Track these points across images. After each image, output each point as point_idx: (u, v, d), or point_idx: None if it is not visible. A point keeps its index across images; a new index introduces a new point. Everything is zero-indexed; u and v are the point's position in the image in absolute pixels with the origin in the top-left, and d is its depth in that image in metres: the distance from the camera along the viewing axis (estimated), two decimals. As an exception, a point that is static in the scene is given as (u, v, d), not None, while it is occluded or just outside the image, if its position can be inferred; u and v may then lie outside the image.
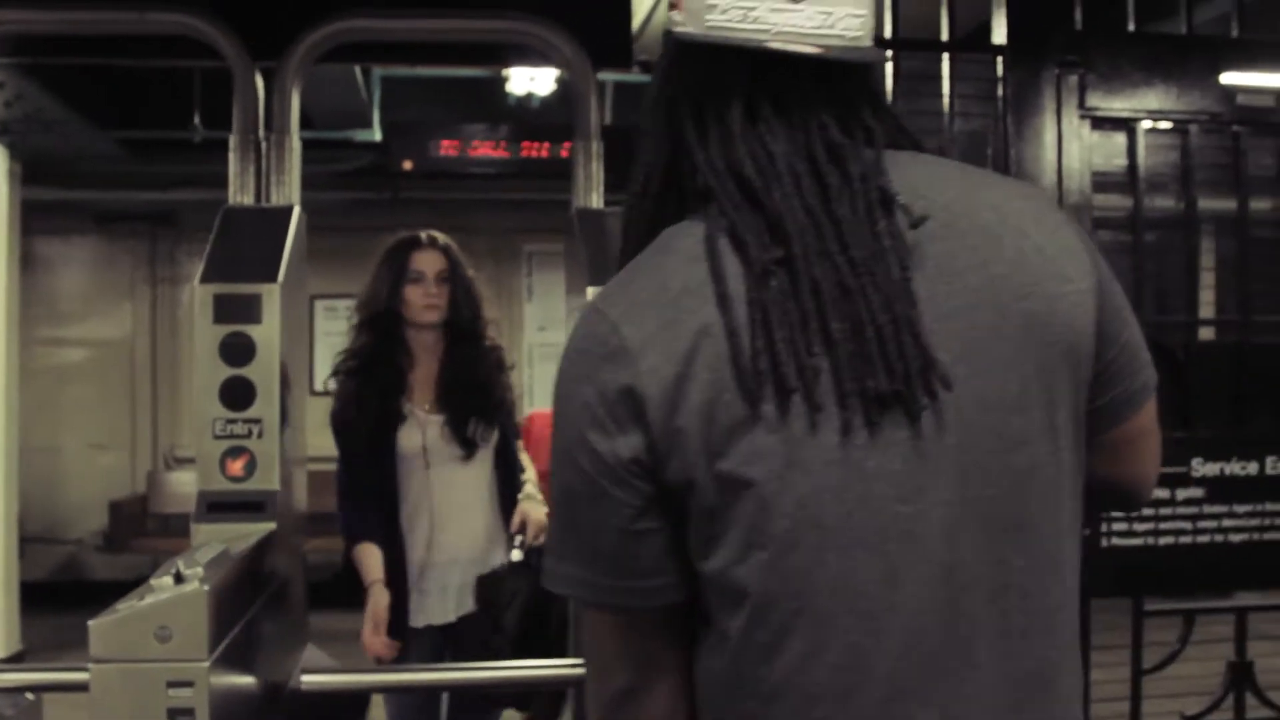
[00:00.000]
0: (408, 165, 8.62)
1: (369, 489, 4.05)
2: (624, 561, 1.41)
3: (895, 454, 1.36)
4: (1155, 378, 1.60)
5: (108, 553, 10.51)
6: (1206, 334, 4.72)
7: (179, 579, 2.45)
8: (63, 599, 8.42)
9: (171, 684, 2.34)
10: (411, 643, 4.07)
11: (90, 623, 2.33)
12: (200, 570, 2.47)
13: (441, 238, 4.23)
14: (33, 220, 9.68)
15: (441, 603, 4.10)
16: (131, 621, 2.35)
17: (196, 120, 7.94)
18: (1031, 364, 1.41)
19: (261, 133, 3.80)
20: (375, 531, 4.02)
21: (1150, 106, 4.23)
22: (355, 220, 10.56)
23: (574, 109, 3.81)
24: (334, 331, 11.07)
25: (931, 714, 1.36)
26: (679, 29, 1.45)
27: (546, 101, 8.62)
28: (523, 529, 4.11)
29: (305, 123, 8.23)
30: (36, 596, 9.08)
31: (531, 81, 8.18)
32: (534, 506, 4.15)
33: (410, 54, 5.24)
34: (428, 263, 4.14)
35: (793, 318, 1.34)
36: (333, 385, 4.28)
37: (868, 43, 1.46)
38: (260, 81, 3.87)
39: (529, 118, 8.78)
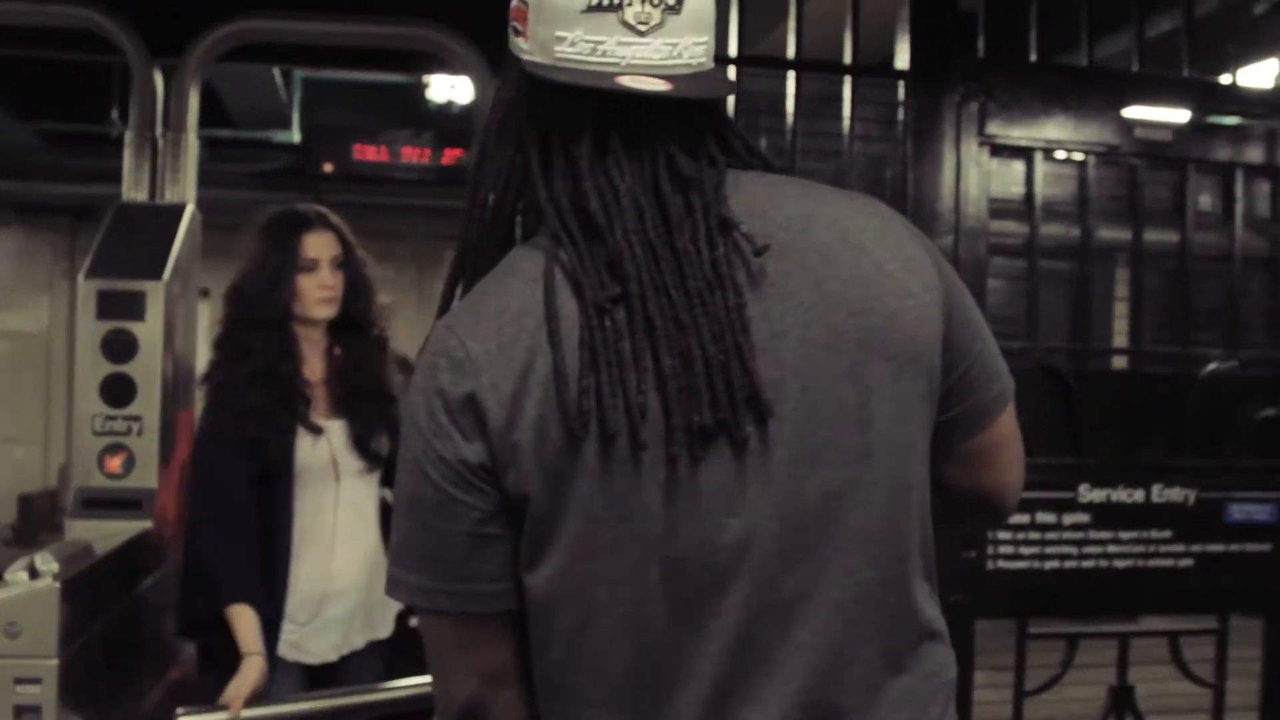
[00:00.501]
0: (328, 168, 8.58)
1: (247, 527, 3.25)
2: (468, 566, 1.42)
3: (718, 477, 1.39)
4: (1011, 387, 1.61)
5: (16, 546, 10.39)
6: (1121, 362, 4.77)
7: (33, 574, 2.44)
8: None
9: (19, 680, 2.33)
10: (276, 680, 3.29)
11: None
12: (55, 566, 2.45)
13: (331, 215, 3.59)
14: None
15: (321, 639, 3.39)
16: None
17: (115, 115, 7.87)
18: (872, 377, 1.43)
19: (159, 130, 3.78)
20: (255, 587, 3.23)
21: (1049, 136, 4.28)
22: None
23: (476, 117, 3.81)
24: (255, 332, 11.08)
25: None
26: (526, 57, 1.45)
27: (468, 109, 8.60)
28: None
29: (225, 121, 8.22)
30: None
31: (452, 89, 8.17)
32: None
33: (320, 57, 5.21)
34: (320, 247, 3.45)
35: (625, 356, 1.37)
36: (200, 397, 3.56)
37: (710, 66, 1.49)
38: (160, 78, 3.86)
39: (451, 124, 8.77)
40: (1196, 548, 4.35)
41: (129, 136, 3.72)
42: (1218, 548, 4.37)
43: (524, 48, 1.45)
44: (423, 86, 8.42)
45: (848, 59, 4.23)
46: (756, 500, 1.40)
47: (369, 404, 3.48)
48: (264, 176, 9.48)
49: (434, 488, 1.40)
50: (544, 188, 1.44)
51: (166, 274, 3.36)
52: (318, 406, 3.44)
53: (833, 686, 1.43)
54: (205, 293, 10.94)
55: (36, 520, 10.57)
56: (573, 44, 1.41)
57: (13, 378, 11.05)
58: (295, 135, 8.73)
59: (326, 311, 3.45)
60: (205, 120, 8.22)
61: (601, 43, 1.41)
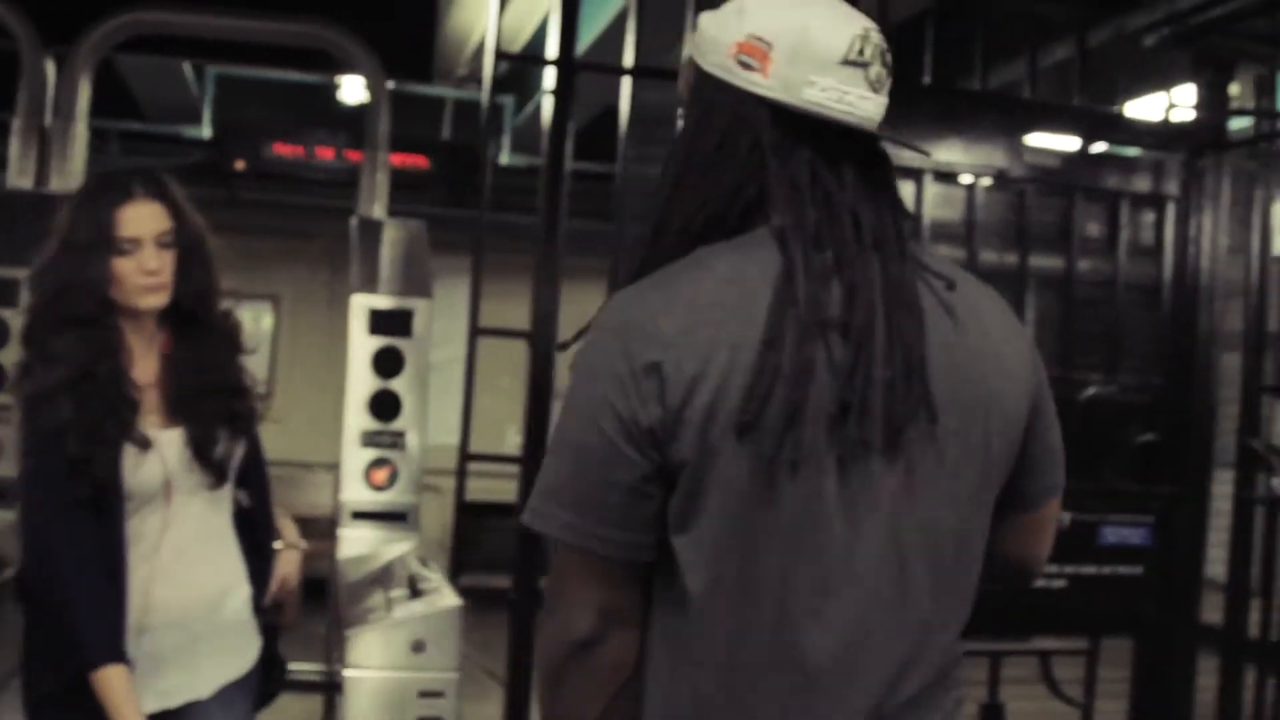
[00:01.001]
0: (240, 165, 8.55)
1: (100, 566, 2.67)
2: (620, 516, 1.58)
3: (862, 490, 1.59)
4: (1064, 480, 1.86)
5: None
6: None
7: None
8: None
9: None
10: None
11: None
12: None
13: (163, 178, 2.93)
14: None
15: (155, 680, 2.74)
16: None
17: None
18: (974, 439, 1.66)
19: (48, 118, 3.77)
20: (122, 643, 2.64)
21: (939, 159, 4.34)
22: (192, 216, 10.48)
23: (367, 118, 3.83)
24: (165, 326, 11.00)
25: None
26: (760, 92, 1.63)
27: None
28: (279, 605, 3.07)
29: (135, 113, 8.16)
30: None
31: (361, 92, 8.16)
32: (295, 561, 3.18)
33: (220, 51, 5.22)
34: (142, 222, 2.79)
35: (816, 365, 1.56)
36: (12, 410, 2.97)
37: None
38: (52, 67, 3.84)
39: (358, 125, 8.76)
40: (1070, 569, 4.41)
41: (17, 124, 3.71)
42: (1091, 569, 4.44)
43: (759, 83, 1.64)
44: (334, 87, 8.42)
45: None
46: (889, 517, 1.60)
47: (211, 406, 2.86)
48: (176, 172, 9.42)
49: (604, 439, 1.56)
50: (790, 205, 1.62)
51: (43, 262, 3.34)
52: (149, 414, 2.79)
53: (895, 696, 1.63)
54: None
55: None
56: (824, 89, 1.62)
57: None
58: (205, 130, 8.69)
59: (153, 300, 2.80)
60: (117, 112, 8.18)
61: (848, 93, 1.63)
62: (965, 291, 1.70)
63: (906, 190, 4.37)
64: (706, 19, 1.73)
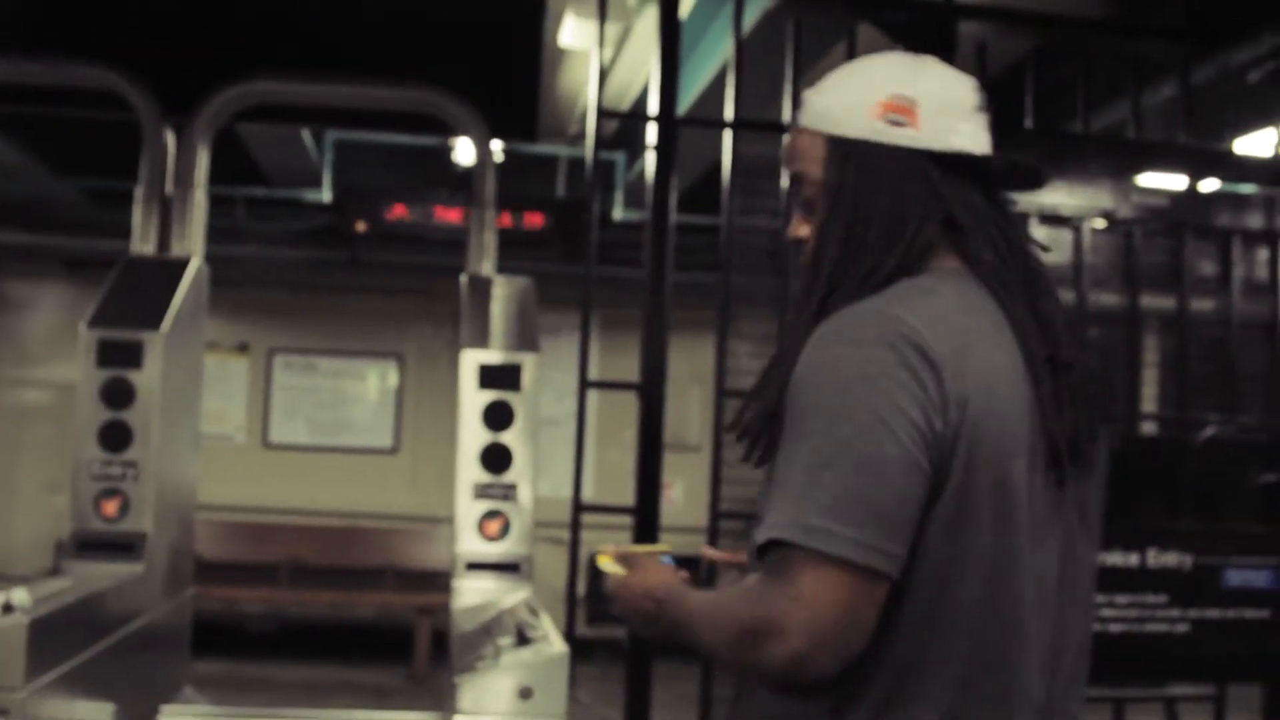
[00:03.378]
0: (361, 227, 8.73)
1: None
2: (906, 530, 1.60)
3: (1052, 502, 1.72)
4: None
5: (55, 594, 10.54)
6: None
7: (7, 609, 2.52)
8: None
9: (-13, 711, 2.39)
10: None
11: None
12: (30, 602, 2.54)
13: None
14: (4, 262, 9.79)
15: None
16: None
17: (155, 172, 8.04)
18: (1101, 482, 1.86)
19: (169, 186, 3.90)
20: None
21: (1046, 202, 4.33)
22: (315, 278, 10.71)
23: (474, 178, 3.91)
24: (292, 385, 11.25)
25: None
26: (924, 144, 1.77)
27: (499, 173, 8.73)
28: None
29: (259, 179, 8.38)
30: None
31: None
32: None
33: (342, 118, 5.36)
34: None
35: (1057, 388, 1.71)
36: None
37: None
38: (172, 137, 3.98)
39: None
40: (1194, 613, 4.34)
41: (139, 192, 3.84)
42: (1215, 613, 4.36)
43: (913, 136, 1.77)
44: (450, 149, 8.58)
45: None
46: (1064, 553, 1.73)
47: None
48: (300, 235, 9.67)
49: (902, 448, 1.58)
50: (983, 242, 1.77)
51: (166, 325, 3.46)
52: None
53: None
54: (244, 347, 11.16)
55: (74, 568, 10.73)
56: (969, 135, 1.78)
57: (55, 428, 11.23)
58: (326, 194, 8.89)
59: None
60: (239, 178, 8.40)
61: (980, 135, 1.80)
62: None
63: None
64: (830, 92, 1.85)
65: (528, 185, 9.19)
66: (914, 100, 1.77)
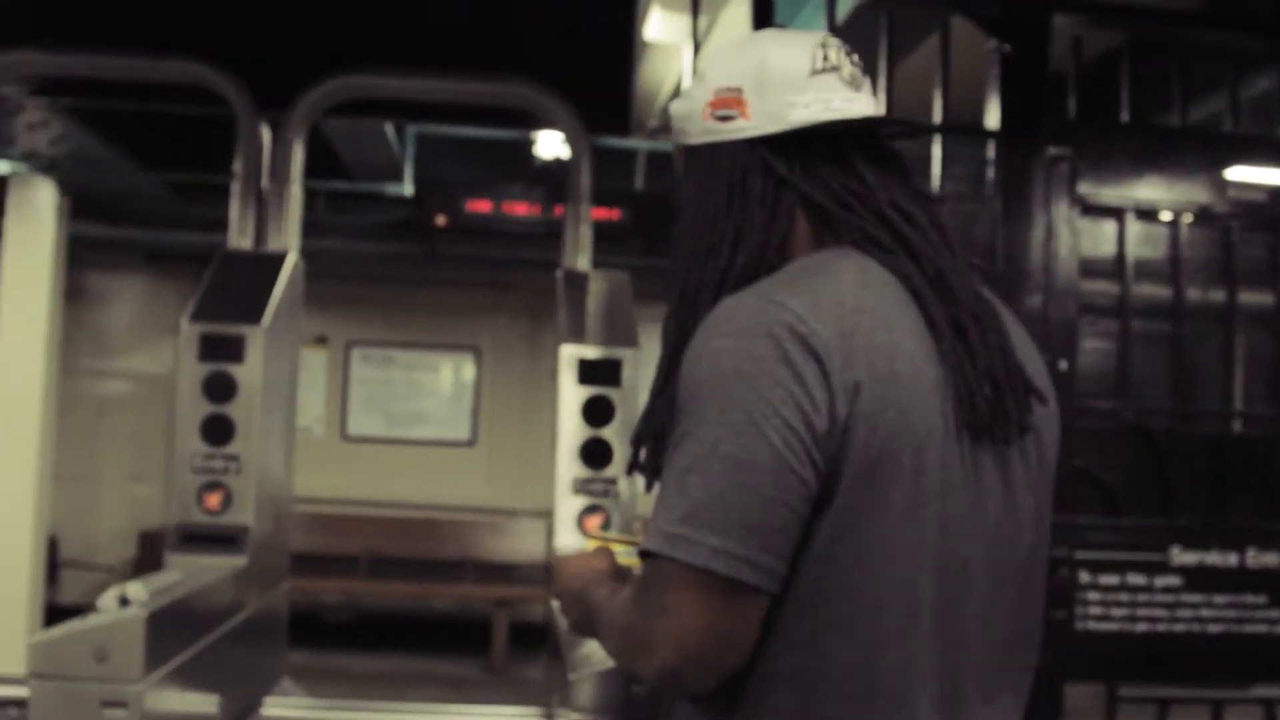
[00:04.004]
0: (441, 220, 8.76)
1: None
2: (779, 539, 1.49)
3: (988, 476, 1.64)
4: None
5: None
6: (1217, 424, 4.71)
7: (124, 602, 2.55)
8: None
9: (106, 703, 2.43)
10: None
11: (30, 640, 2.42)
12: (145, 596, 2.57)
13: None
14: (85, 254, 9.90)
15: None
16: (70, 641, 2.44)
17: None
18: (1049, 453, 1.75)
19: (265, 180, 3.93)
20: None
21: (1141, 196, 4.29)
22: (394, 271, 10.77)
23: (569, 173, 3.92)
24: (370, 379, 11.31)
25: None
26: (757, 131, 1.68)
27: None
28: None
29: (340, 173, 8.43)
30: (67, 618, 9.18)
31: (558, 147, 8.30)
32: None
33: (430, 113, 5.37)
34: None
35: (962, 358, 1.61)
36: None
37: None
38: (268, 132, 4.01)
39: (558, 181, 8.89)
40: (1295, 614, 4.29)
41: (235, 187, 3.88)
42: (1313, 612, 4.30)
43: (744, 127, 1.69)
44: (530, 143, 8.58)
45: (938, 118, 4.28)
46: (993, 530, 1.63)
47: None
48: (380, 228, 9.72)
49: (773, 451, 1.47)
50: (845, 217, 1.66)
51: (266, 319, 3.49)
52: None
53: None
54: (323, 339, 11.22)
55: (157, 556, 10.84)
56: (807, 105, 1.66)
57: (136, 418, 11.36)
58: (408, 188, 8.92)
59: None
60: (322, 172, 8.45)
61: (831, 100, 1.67)
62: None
63: (1107, 229, 4.33)
64: (675, 104, 1.81)
65: (605, 179, 9.18)
66: (738, 89, 1.70)
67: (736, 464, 1.48)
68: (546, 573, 3.69)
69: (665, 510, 1.51)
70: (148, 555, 10.92)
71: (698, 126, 1.74)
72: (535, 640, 10.38)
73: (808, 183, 1.67)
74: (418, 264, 10.34)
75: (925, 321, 1.59)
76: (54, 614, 9.10)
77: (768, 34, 1.77)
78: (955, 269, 1.65)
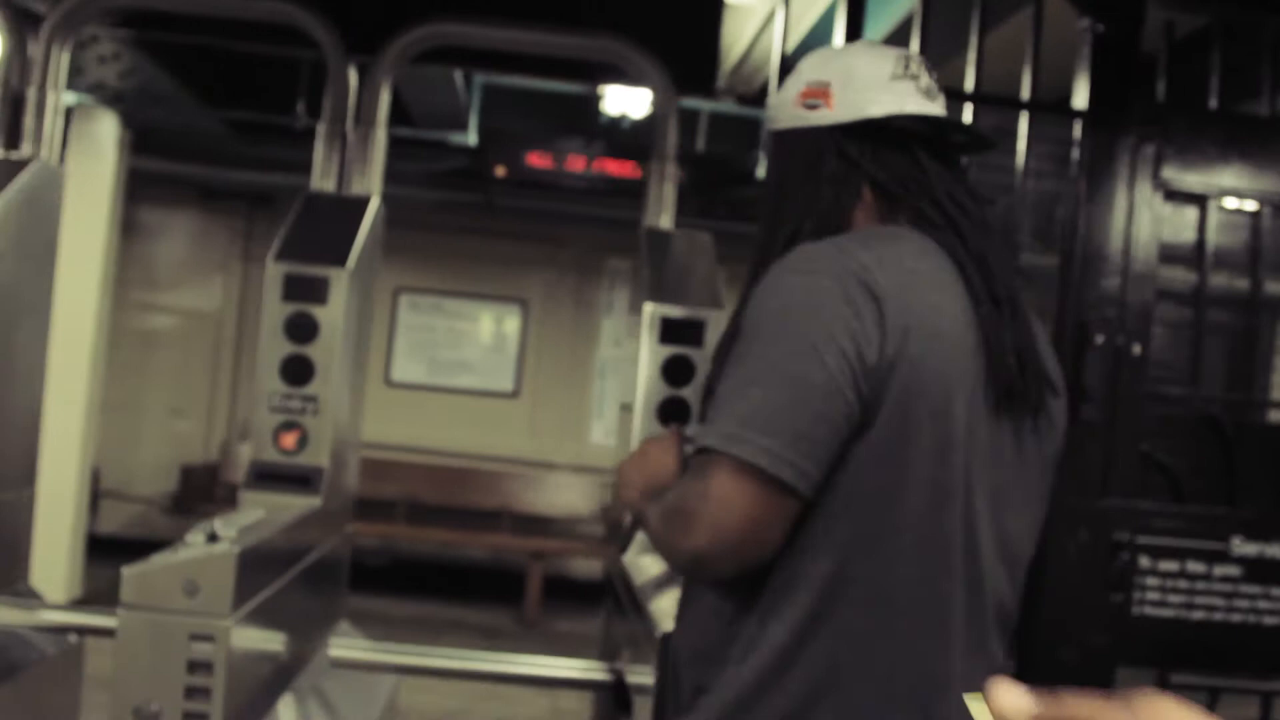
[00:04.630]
0: (501, 172, 8.75)
1: None
2: (822, 452, 1.68)
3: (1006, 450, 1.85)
4: None
5: (175, 514, 10.75)
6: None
7: (212, 538, 2.56)
8: (129, 554, 8.57)
9: (194, 637, 2.44)
10: None
11: (124, 570, 2.43)
12: (234, 532, 2.58)
13: None
14: (140, 189, 9.94)
15: None
16: (161, 573, 2.45)
17: (300, 108, 8.12)
18: (1055, 437, 1.92)
19: (350, 123, 3.92)
20: None
21: (1225, 184, 4.25)
22: (448, 220, 10.78)
23: (654, 129, 3.90)
24: (416, 325, 11.34)
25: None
26: (837, 119, 1.91)
27: (638, 125, 8.69)
28: None
29: (404, 119, 8.43)
30: (105, 549, 9.28)
31: (626, 103, 8.27)
32: None
33: (508, 63, 5.35)
34: None
35: (1002, 329, 1.80)
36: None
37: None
38: (354, 75, 4.00)
39: (619, 138, 8.88)
40: (1350, 606, 4.27)
41: (321, 129, 3.86)
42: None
43: (827, 115, 1.93)
44: (594, 98, 8.54)
45: (1025, 94, 4.25)
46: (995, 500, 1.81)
47: None
48: (438, 176, 9.72)
49: (828, 373, 1.67)
50: (912, 196, 1.88)
51: (351, 262, 3.49)
52: None
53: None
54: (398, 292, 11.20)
55: (196, 491, 10.94)
56: (883, 104, 1.88)
57: (183, 353, 11.42)
58: (471, 138, 8.91)
59: None
60: (388, 118, 8.44)
61: (906, 102, 1.88)
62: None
63: (1188, 215, 4.30)
64: (773, 96, 2.08)
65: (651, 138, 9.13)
66: (827, 82, 1.93)
67: (794, 380, 1.67)
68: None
69: (724, 413, 1.69)
70: (188, 489, 10.99)
71: (787, 113, 1.97)
72: (568, 593, 10.50)
73: (875, 166, 1.89)
74: (473, 214, 10.35)
75: (968, 291, 1.78)
76: (93, 544, 9.21)
77: (861, 44, 2.01)
78: (997, 256, 1.84)
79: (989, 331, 1.77)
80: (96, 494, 10.19)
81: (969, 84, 4.22)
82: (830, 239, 1.81)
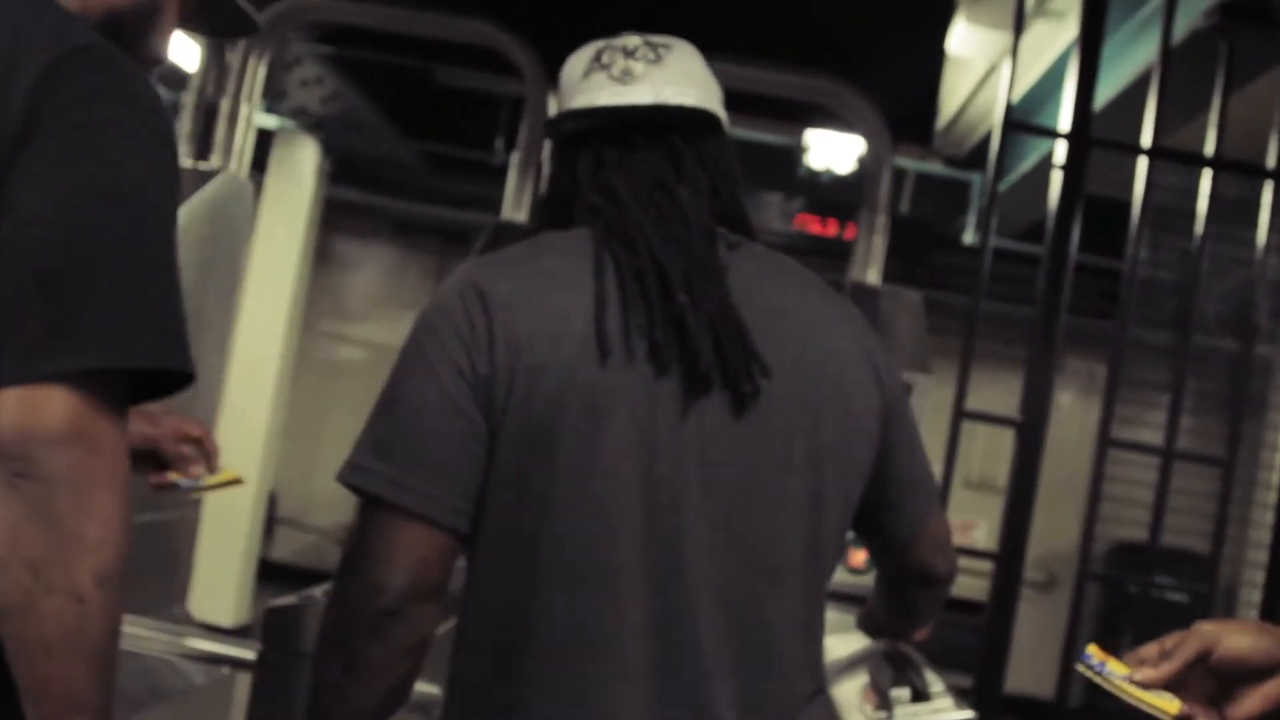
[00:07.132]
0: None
1: None
2: (448, 473, 1.57)
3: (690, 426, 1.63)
4: (932, 501, 1.84)
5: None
6: None
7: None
8: (300, 583, 8.56)
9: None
10: None
11: (268, 605, 2.31)
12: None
13: None
14: (336, 218, 10.00)
15: None
16: (300, 611, 2.35)
17: (498, 144, 8.07)
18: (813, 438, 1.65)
19: (544, 154, 3.77)
20: None
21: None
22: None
23: (867, 179, 3.67)
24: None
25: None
26: (553, 130, 1.86)
27: (840, 181, 8.42)
28: None
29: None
30: (278, 576, 9.30)
31: (832, 156, 8.00)
32: None
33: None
34: None
35: (637, 306, 1.62)
36: None
37: (700, 110, 1.79)
38: (554, 104, 3.85)
39: (820, 193, 8.63)
40: None
41: (515, 158, 3.74)
42: None
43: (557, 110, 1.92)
44: (799, 150, 8.31)
45: (1271, 162, 3.94)
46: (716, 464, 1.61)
47: None
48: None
49: (441, 390, 1.57)
50: (583, 196, 1.74)
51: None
52: None
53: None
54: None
55: (370, 524, 10.93)
56: (576, 105, 1.78)
57: (367, 387, 11.29)
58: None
59: None
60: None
61: (597, 97, 1.77)
62: (792, 286, 1.74)
63: None
64: None
65: (854, 195, 8.90)
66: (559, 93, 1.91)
67: (410, 402, 1.59)
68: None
69: (354, 446, 1.62)
70: (362, 523, 11.00)
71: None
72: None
73: (555, 168, 1.83)
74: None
75: (616, 279, 1.63)
76: (266, 570, 9.21)
77: (587, 45, 1.88)
78: (666, 234, 1.69)
79: (638, 315, 1.61)
80: (273, 520, 10.23)
81: (1208, 148, 3.92)
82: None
